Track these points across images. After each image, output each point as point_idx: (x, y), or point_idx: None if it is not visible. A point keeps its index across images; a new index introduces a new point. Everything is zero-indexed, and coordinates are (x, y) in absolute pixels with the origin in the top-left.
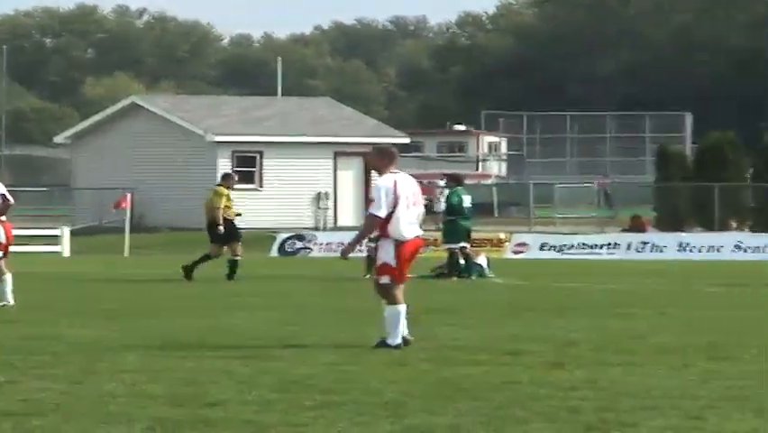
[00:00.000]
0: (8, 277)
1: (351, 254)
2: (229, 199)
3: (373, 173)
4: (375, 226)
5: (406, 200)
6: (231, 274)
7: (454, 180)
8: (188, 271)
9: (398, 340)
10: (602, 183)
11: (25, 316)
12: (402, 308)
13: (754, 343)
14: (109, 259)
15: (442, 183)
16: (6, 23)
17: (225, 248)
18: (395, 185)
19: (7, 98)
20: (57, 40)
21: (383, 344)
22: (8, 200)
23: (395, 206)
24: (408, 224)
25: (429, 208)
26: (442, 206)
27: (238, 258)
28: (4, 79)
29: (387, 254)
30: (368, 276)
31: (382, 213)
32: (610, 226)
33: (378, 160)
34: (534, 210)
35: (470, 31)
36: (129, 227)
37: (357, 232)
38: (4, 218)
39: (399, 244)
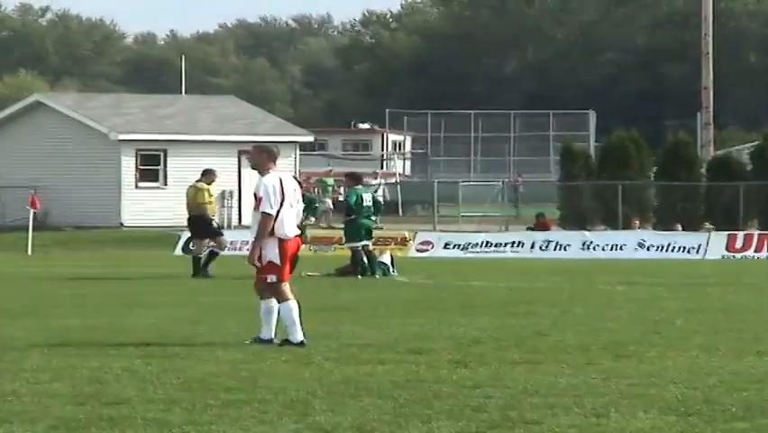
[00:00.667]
0: None
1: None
2: (210, 195)
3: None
4: (270, 225)
5: (288, 199)
6: (202, 268)
7: (353, 180)
8: (200, 271)
9: (300, 336)
10: (515, 180)
11: None
12: (293, 304)
13: (657, 341)
14: (12, 257)
15: (330, 181)
16: None
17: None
18: (280, 183)
19: None
20: None
21: (286, 342)
22: None
23: (281, 204)
24: (290, 222)
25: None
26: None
27: (219, 252)
28: None
29: (272, 253)
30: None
31: (273, 211)
32: (515, 225)
33: (259, 158)
34: (438, 209)
35: (375, 29)
36: (32, 226)
37: (254, 235)
38: None
39: (282, 242)
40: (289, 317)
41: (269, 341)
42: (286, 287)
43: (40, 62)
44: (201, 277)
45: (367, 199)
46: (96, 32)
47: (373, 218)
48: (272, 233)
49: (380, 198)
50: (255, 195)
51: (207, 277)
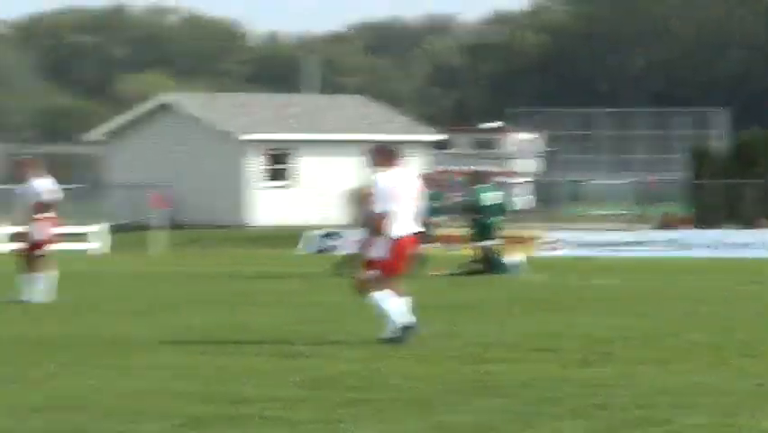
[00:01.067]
0: (48, 274)
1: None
2: None
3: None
4: (381, 223)
5: (402, 198)
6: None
7: (478, 178)
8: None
9: (410, 319)
10: (651, 181)
11: (59, 313)
12: (384, 296)
13: None
14: (142, 256)
15: (459, 180)
16: (42, 21)
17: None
18: (393, 182)
19: (42, 96)
20: (91, 38)
21: (393, 333)
22: (53, 198)
23: (391, 203)
24: (404, 221)
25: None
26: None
27: None
28: (29, 77)
29: (380, 250)
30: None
31: (383, 210)
32: (641, 224)
33: (377, 157)
34: (565, 207)
35: (502, 28)
36: (162, 225)
37: (366, 233)
38: (47, 216)
39: (394, 240)
40: (389, 308)
41: (411, 327)
42: (386, 284)
43: (168, 62)
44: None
45: (493, 199)
46: (224, 31)
47: (500, 217)
48: (382, 231)
49: (507, 198)
50: (368, 194)
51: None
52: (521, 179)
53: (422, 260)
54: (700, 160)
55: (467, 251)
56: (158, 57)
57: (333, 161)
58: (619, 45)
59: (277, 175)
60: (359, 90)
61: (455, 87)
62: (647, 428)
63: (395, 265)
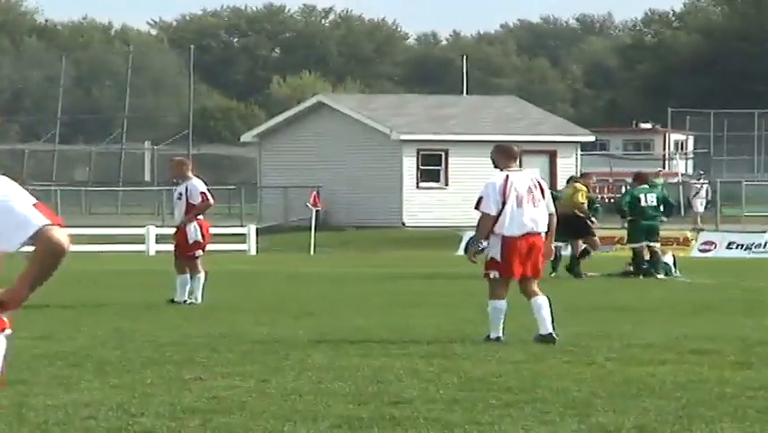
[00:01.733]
0: (202, 275)
1: (477, 255)
2: (585, 196)
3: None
4: (488, 223)
5: (516, 198)
6: (574, 268)
7: (638, 180)
8: (574, 270)
9: (497, 333)
10: None
11: (212, 314)
12: (501, 304)
13: None
14: (295, 257)
15: (659, 181)
16: (194, 22)
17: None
18: (504, 182)
19: (195, 98)
20: (244, 39)
21: (486, 338)
22: (207, 200)
23: (503, 203)
24: (519, 220)
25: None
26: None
27: (591, 252)
28: (191, 79)
29: (494, 250)
30: (553, 274)
31: (492, 210)
32: None
33: (496, 156)
34: (721, 209)
35: (657, 28)
36: (315, 226)
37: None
38: (201, 217)
39: (507, 240)
40: (493, 316)
41: (497, 339)
42: (502, 287)
43: (322, 63)
44: (574, 276)
45: (649, 200)
46: (377, 32)
47: (662, 218)
48: (494, 231)
49: (667, 198)
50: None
51: (579, 277)
52: (675, 180)
53: (555, 259)
54: None
55: (623, 252)
56: (312, 58)
57: (487, 161)
58: None
59: (432, 176)
60: (513, 91)
61: (609, 88)
62: None
63: (509, 266)
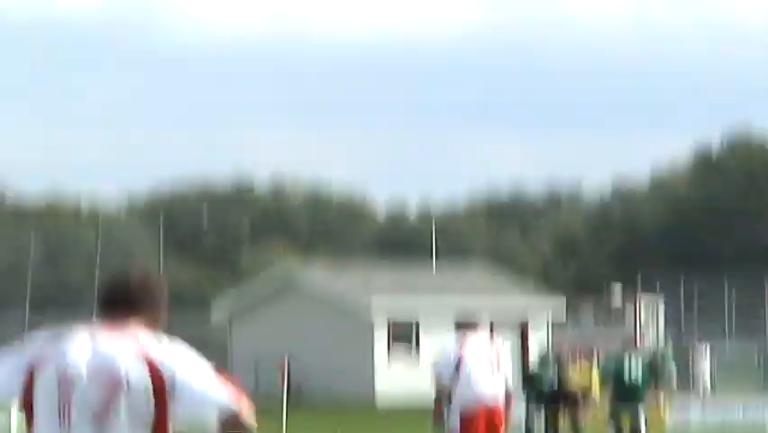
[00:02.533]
0: None
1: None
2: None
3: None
4: (443, 392)
5: (477, 364)
6: None
7: (623, 346)
8: None
9: None
10: None
11: None
12: None
13: None
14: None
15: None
16: (164, 196)
17: None
18: (464, 350)
19: (166, 272)
20: (213, 214)
21: None
22: None
23: (461, 370)
24: (478, 387)
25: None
26: None
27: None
28: (151, 252)
29: (453, 421)
30: None
31: (445, 379)
32: None
33: (459, 327)
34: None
35: (625, 200)
36: (286, 402)
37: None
38: None
39: (465, 408)
40: None
41: None
42: None
43: (292, 236)
44: None
45: (635, 367)
46: (347, 206)
47: (644, 386)
48: (452, 400)
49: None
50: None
51: None
52: (648, 347)
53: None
54: None
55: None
56: (281, 230)
57: None
58: (747, 216)
59: (403, 349)
60: (483, 261)
61: (577, 258)
62: None
63: None
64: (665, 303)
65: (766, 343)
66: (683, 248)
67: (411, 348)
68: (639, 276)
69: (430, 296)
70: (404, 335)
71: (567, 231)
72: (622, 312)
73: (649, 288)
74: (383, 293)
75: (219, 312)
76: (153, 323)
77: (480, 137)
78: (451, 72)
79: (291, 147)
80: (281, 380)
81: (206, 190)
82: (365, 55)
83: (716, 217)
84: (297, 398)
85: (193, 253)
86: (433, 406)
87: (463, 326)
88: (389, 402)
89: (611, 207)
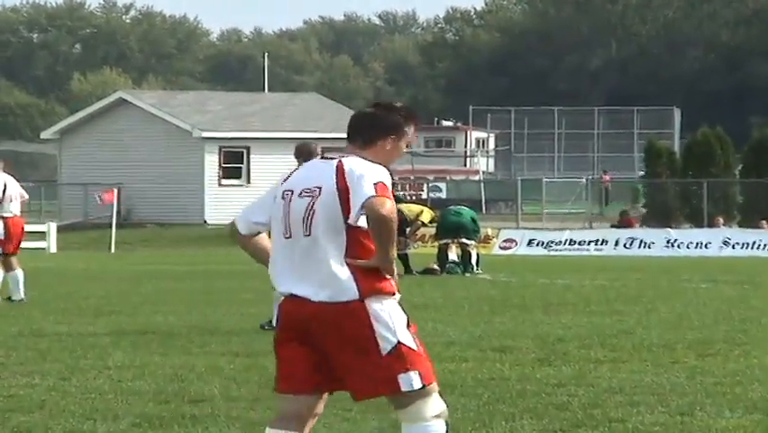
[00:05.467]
0: (13, 273)
1: None
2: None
3: None
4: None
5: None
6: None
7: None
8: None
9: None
10: (604, 179)
11: (10, 312)
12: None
13: (743, 340)
14: (95, 255)
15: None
16: None
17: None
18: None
19: None
20: (43, 35)
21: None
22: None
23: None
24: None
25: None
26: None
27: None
28: None
29: None
30: None
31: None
32: (599, 223)
33: (295, 154)
34: (521, 206)
35: (458, 26)
36: (115, 223)
37: None
38: (7, 214)
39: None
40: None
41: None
42: None
43: (123, 60)
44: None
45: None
46: (179, 29)
47: (465, 215)
48: None
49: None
50: None
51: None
52: (477, 177)
53: None
54: (656, 158)
55: (427, 249)
56: (113, 54)
57: (289, 158)
58: (577, 44)
59: (234, 173)
60: (314, 88)
61: (411, 86)
62: (604, 428)
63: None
64: (495, 136)
65: (593, 174)
66: (515, 77)
67: (242, 171)
68: (470, 110)
69: (261, 121)
70: (234, 158)
71: (399, 57)
72: (453, 142)
73: (480, 121)
74: (214, 117)
75: (49, 135)
76: None
77: None
78: None
79: None
80: (107, 203)
81: (37, 13)
82: None
83: (549, 45)
84: (126, 221)
85: (23, 77)
86: None
87: (302, 154)
88: (219, 223)
89: (444, 32)
